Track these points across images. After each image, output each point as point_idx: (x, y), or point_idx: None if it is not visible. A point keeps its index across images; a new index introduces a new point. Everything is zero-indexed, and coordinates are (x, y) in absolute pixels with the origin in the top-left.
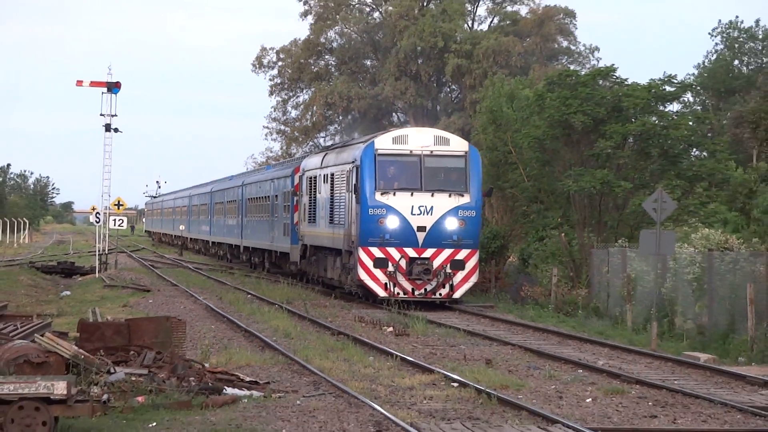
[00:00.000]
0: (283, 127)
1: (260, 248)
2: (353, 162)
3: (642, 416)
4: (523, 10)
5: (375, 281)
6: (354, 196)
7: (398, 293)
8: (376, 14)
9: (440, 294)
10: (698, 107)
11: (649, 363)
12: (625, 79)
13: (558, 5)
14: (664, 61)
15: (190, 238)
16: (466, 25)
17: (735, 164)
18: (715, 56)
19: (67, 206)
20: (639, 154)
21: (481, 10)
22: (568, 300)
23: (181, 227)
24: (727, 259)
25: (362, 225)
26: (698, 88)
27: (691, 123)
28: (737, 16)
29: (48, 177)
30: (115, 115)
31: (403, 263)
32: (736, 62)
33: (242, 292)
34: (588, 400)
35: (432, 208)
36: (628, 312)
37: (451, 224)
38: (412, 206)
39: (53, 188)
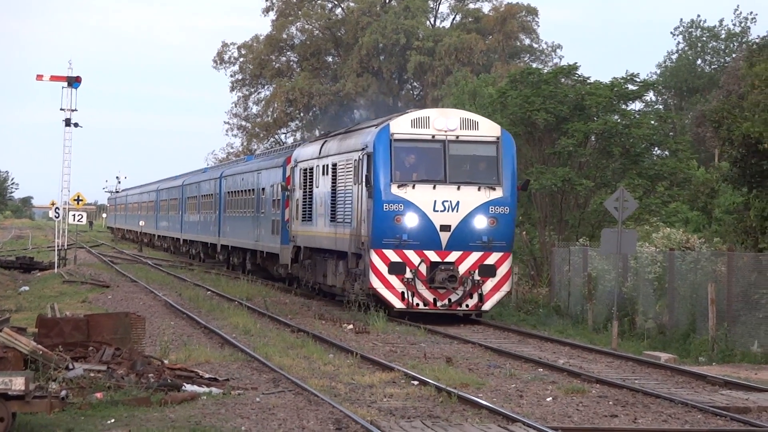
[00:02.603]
0: (244, 123)
1: (241, 248)
2: (363, 149)
3: (602, 415)
4: (486, 8)
5: (390, 290)
6: (365, 189)
7: (417, 304)
8: (339, 10)
9: (467, 305)
10: (660, 106)
11: (610, 362)
12: (588, 78)
13: (520, 3)
14: (626, 59)
15: (158, 236)
16: (428, 22)
17: (697, 163)
18: (677, 55)
19: (26, 201)
20: (601, 152)
21: (444, 8)
22: (529, 299)
23: (141, 223)
24: (688, 259)
25: (375, 223)
26: (660, 87)
27: (653, 122)
28: (699, 15)
29: (7, 172)
30: (75, 110)
31: (423, 269)
32: (699, 61)
33: (202, 288)
34: (548, 399)
35: (458, 203)
36: (589, 311)
37: (480, 223)
38: (435, 201)
39: (12, 183)
